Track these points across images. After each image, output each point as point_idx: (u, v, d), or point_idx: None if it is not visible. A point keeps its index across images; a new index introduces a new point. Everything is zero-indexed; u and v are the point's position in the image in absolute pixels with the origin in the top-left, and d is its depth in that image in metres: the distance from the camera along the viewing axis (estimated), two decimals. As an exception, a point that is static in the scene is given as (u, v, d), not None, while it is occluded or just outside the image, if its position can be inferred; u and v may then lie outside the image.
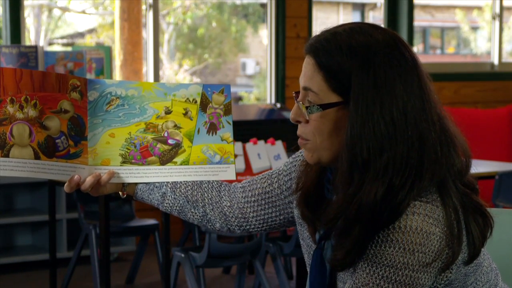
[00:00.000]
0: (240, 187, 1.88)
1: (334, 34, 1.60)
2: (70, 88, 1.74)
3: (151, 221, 5.05)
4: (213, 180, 1.87)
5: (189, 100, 1.83)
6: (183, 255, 4.08)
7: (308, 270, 1.77)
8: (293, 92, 1.67)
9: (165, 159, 1.82)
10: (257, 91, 10.83)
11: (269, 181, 1.86)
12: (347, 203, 1.55)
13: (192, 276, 4.08)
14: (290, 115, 1.66)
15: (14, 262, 5.38)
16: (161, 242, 4.67)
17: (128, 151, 1.80)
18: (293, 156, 1.86)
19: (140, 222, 5.10)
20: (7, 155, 1.69)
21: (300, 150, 1.84)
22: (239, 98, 10.35)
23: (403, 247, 1.51)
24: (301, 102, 1.63)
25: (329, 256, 1.63)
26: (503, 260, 1.90)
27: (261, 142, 4.43)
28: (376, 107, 1.54)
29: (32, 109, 1.71)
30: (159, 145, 1.81)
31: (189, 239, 5.53)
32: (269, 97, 6.75)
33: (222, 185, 1.89)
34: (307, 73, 1.62)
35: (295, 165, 1.83)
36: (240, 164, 4.31)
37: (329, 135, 1.60)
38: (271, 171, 1.87)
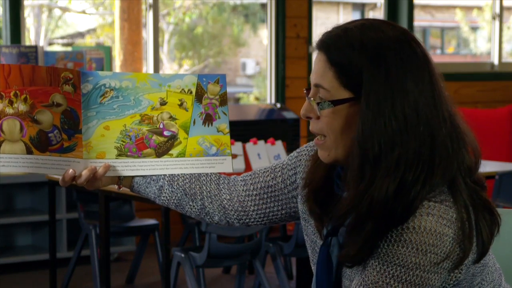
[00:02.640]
0: (241, 180, 1.86)
1: (345, 30, 1.59)
2: (63, 81, 1.71)
3: (151, 221, 5.05)
4: (211, 173, 1.85)
5: (184, 91, 1.80)
6: (183, 255, 4.08)
7: (312, 265, 1.76)
8: (304, 89, 1.67)
9: (161, 151, 1.79)
10: (257, 91, 10.83)
11: (272, 175, 1.83)
12: (359, 199, 1.55)
13: (192, 276, 4.08)
14: (301, 111, 1.64)
15: (14, 262, 5.38)
16: (161, 242, 4.67)
17: (124, 143, 1.77)
18: (298, 150, 1.84)
19: (140, 222, 5.09)
20: None
21: (305, 145, 1.83)
22: (238, 99, 10.35)
23: (416, 247, 1.51)
24: (312, 98, 1.62)
25: (337, 252, 1.63)
26: (504, 260, 1.90)
27: (261, 142, 4.43)
28: (387, 103, 1.54)
29: (22, 103, 1.68)
30: (154, 137, 1.78)
31: (189, 239, 5.52)
32: (269, 97, 6.75)
33: (221, 178, 1.86)
34: (319, 70, 1.61)
35: (301, 160, 1.81)
36: (240, 164, 4.31)
37: (341, 131, 1.59)
38: (274, 165, 1.85)
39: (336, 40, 1.59)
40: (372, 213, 1.53)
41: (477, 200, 1.59)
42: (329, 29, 1.63)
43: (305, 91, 1.66)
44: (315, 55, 1.65)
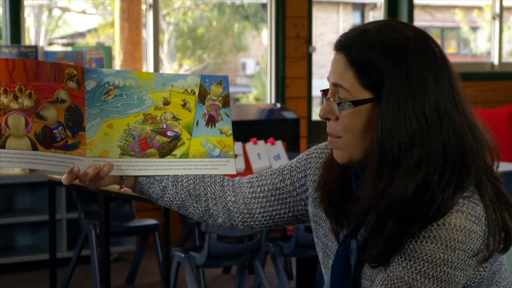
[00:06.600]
0: (247, 182, 1.84)
1: (364, 31, 1.59)
2: (67, 77, 1.69)
3: (151, 221, 5.05)
4: (215, 174, 1.83)
5: (187, 91, 1.79)
6: (183, 255, 4.08)
7: (323, 268, 1.76)
8: (320, 90, 1.66)
9: (165, 151, 1.78)
10: (256, 91, 10.84)
11: (280, 177, 1.82)
12: (378, 199, 1.55)
13: (192, 276, 4.08)
14: (319, 112, 1.63)
15: (14, 262, 5.38)
16: (161, 242, 4.67)
17: (127, 142, 1.76)
18: (307, 152, 1.83)
19: (140, 222, 5.10)
20: (3, 146, 1.64)
21: (314, 147, 1.82)
22: (236, 99, 10.35)
23: (445, 243, 1.51)
24: (331, 99, 1.61)
25: (355, 254, 1.63)
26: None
27: (261, 142, 4.43)
28: (408, 103, 1.54)
29: (27, 99, 1.66)
30: (158, 137, 1.77)
31: (189, 239, 5.53)
32: (269, 97, 6.75)
33: (225, 180, 1.85)
34: (337, 70, 1.60)
35: (310, 162, 1.80)
36: (240, 164, 4.31)
37: (360, 132, 1.59)
38: (281, 167, 1.84)
39: (355, 41, 1.58)
40: (393, 213, 1.53)
41: (500, 195, 1.60)
42: (346, 31, 1.63)
43: (321, 92, 1.65)
44: (331, 56, 1.64)
